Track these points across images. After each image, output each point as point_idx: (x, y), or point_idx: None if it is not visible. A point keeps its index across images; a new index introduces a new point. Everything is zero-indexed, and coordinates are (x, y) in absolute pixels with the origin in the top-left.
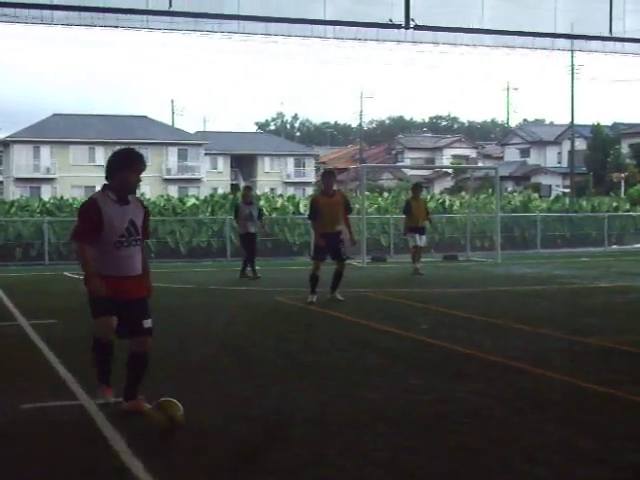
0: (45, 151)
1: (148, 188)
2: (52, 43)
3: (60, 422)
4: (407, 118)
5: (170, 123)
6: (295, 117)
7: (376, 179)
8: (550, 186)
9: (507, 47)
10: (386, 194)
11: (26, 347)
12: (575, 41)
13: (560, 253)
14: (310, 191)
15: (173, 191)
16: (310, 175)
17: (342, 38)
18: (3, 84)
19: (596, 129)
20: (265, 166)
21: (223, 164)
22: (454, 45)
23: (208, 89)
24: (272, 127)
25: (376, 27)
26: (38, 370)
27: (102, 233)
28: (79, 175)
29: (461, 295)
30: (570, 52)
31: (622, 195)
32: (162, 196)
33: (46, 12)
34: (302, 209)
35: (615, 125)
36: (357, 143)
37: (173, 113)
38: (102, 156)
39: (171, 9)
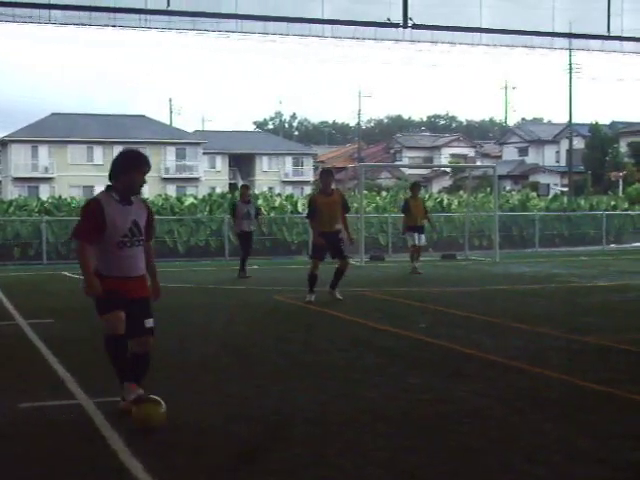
0: (43, 150)
1: (146, 187)
2: (50, 42)
3: (58, 421)
4: (405, 117)
5: (168, 122)
6: (293, 116)
7: (374, 178)
8: (548, 185)
9: (505, 46)
10: (384, 193)
11: (24, 347)
12: (573, 40)
13: (558, 252)
14: (308, 190)
15: (171, 190)
16: (308, 174)
17: (340, 37)
18: (1, 83)
19: (594, 128)
20: (263, 165)
21: (221, 163)
22: (452, 44)
23: (206, 88)
24: (270, 126)
25: (374, 26)
26: (36, 370)
27: (105, 233)
28: (77, 174)
29: (459, 294)
30: (568, 51)
31: (620, 194)
32: (160, 195)
33: (43, 11)
34: (300, 208)
35: (613, 124)
36: (355, 142)
37: (171, 112)
38: (100, 155)
39: (169, 8)
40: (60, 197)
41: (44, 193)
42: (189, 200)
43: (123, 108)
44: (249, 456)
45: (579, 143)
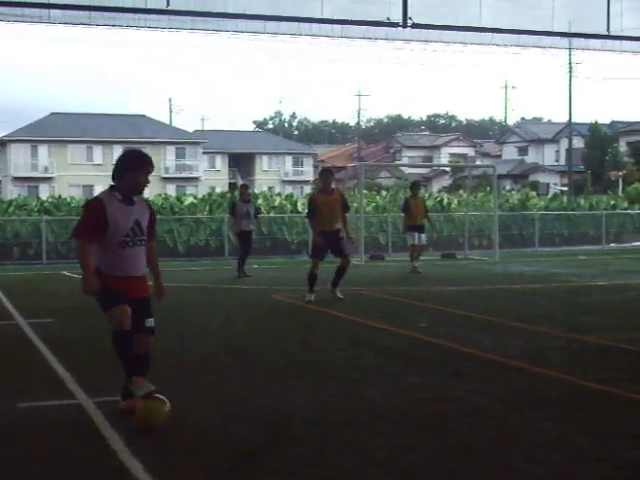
0: (43, 150)
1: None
2: (50, 42)
3: (58, 421)
4: (405, 116)
5: (168, 122)
6: (293, 116)
7: (374, 177)
8: (548, 184)
9: (505, 45)
10: (384, 192)
11: (24, 346)
12: (573, 39)
13: (558, 251)
14: (308, 189)
15: (171, 190)
16: (308, 174)
17: (340, 37)
18: (1, 83)
19: (594, 127)
20: (263, 165)
21: (221, 163)
22: (452, 44)
23: (206, 88)
24: (270, 126)
25: (374, 26)
26: (36, 369)
27: (107, 232)
28: (77, 174)
29: (459, 293)
30: (568, 50)
31: (620, 193)
32: (160, 195)
33: (44, 11)
34: (300, 208)
35: (613, 123)
36: (355, 141)
37: (171, 112)
38: (100, 155)
39: (169, 8)
40: (60, 197)
41: (44, 193)
42: (189, 200)
43: (123, 108)
44: (248, 456)
45: (579, 142)
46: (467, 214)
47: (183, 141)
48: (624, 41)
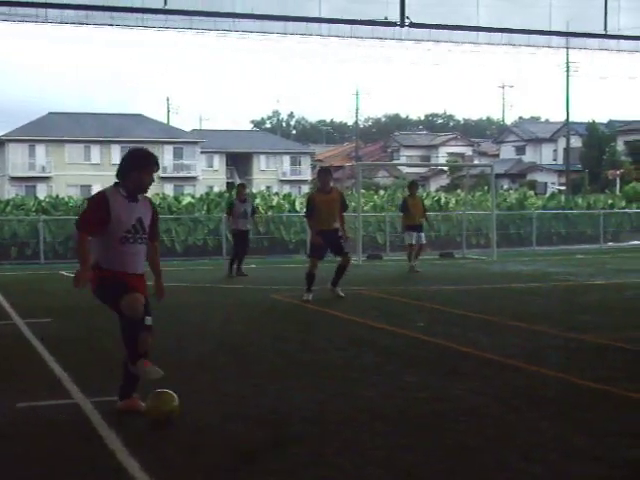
0: (40, 150)
1: None
2: (48, 42)
3: (56, 421)
4: (403, 116)
5: (165, 121)
6: (291, 115)
7: (372, 177)
8: (546, 183)
9: (502, 45)
10: (382, 192)
11: (21, 346)
12: (570, 39)
13: (556, 250)
14: (306, 189)
15: (169, 189)
16: (306, 173)
17: (338, 36)
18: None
19: (591, 126)
20: (261, 164)
21: (219, 162)
22: (449, 43)
23: (204, 87)
24: (268, 125)
25: (372, 25)
26: (33, 369)
27: (108, 226)
28: (75, 174)
29: (456, 292)
30: (566, 50)
31: (617, 192)
32: (158, 194)
33: (40, 10)
34: (298, 207)
35: (610, 122)
36: (353, 141)
37: (168, 111)
38: (97, 155)
39: (166, 7)
40: (57, 196)
41: (41, 192)
42: (187, 199)
43: (121, 107)
44: (247, 455)
45: (576, 142)
46: (465, 213)
47: (181, 140)
48: (621, 40)
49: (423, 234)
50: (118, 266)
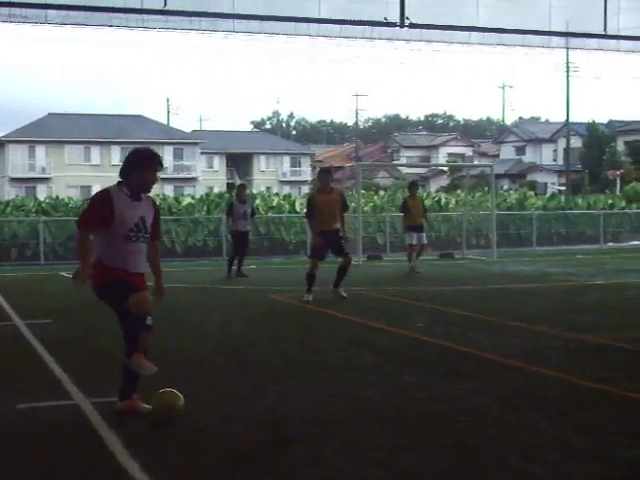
0: (40, 151)
1: None
2: (48, 42)
3: (56, 422)
4: (403, 116)
5: (165, 122)
6: (291, 116)
7: (372, 177)
8: (546, 184)
9: (502, 45)
10: (382, 192)
11: (21, 347)
12: (570, 39)
13: (556, 250)
14: (306, 190)
15: (169, 190)
16: (306, 174)
17: (338, 36)
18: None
19: (591, 127)
20: (261, 165)
21: (219, 163)
22: (449, 43)
23: (204, 88)
24: (268, 126)
25: (371, 25)
26: (33, 370)
27: (111, 224)
28: (74, 175)
29: (456, 293)
30: (565, 50)
31: (617, 192)
32: (158, 195)
33: (40, 11)
34: (298, 208)
35: (610, 123)
36: (353, 141)
37: (168, 112)
38: (97, 155)
39: (166, 8)
40: (57, 197)
41: (41, 193)
42: (187, 200)
43: (121, 108)
44: (246, 456)
45: (576, 142)
46: (465, 214)
47: (181, 141)
48: (621, 40)
49: (424, 234)
50: (120, 264)
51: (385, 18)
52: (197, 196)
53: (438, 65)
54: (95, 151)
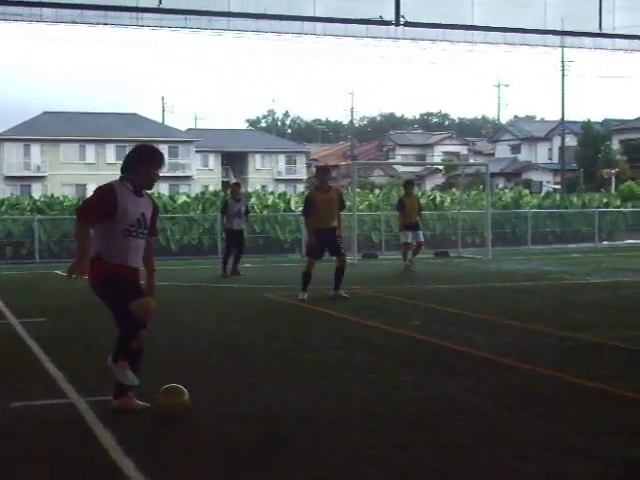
0: (35, 149)
1: None
2: (44, 41)
3: (51, 420)
4: (398, 115)
5: (160, 121)
6: (286, 114)
7: (367, 176)
8: (541, 182)
9: (497, 44)
10: (377, 191)
11: (16, 346)
12: (565, 37)
13: (551, 249)
14: (301, 188)
15: (164, 189)
16: (301, 172)
17: (333, 35)
18: None
19: (587, 125)
20: (256, 163)
21: (214, 161)
22: (444, 42)
23: (199, 86)
24: (263, 124)
25: (366, 24)
26: (28, 369)
27: (114, 219)
28: (70, 173)
29: (452, 291)
30: (561, 48)
31: (612, 191)
32: (153, 193)
33: (35, 9)
34: (293, 206)
35: (605, 121)
36: (348, 140)
37: (163, 111)
38: (93, 154)
39: (161, 6)
40: (52, 196)
41: (36, 192)
42: (182, 198)
43: (116, 107)
44: (241, 454)
45: (571, 140)
46: (460, 212)
47: (176, 140)
48: (616, 39)
49: (421, 232)
50: (119, 259)
51: (380, 17)
52: (192, 194)
53: (433, 63)
54: (90, 150)
